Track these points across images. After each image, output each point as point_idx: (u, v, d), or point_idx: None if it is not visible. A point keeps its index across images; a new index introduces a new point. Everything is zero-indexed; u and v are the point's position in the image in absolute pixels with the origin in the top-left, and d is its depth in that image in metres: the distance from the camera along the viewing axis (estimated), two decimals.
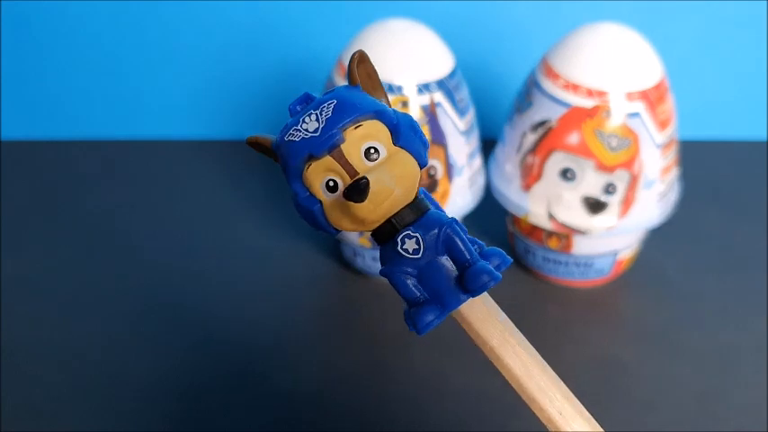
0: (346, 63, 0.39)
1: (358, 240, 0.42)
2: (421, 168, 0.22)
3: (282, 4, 0.53)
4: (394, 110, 0.22)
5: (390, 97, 0.38)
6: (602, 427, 0.22)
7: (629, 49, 0.39)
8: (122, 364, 0.39)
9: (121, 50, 0.55)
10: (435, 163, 0.40)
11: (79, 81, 0.56)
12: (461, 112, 0.40)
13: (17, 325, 0.41)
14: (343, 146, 0.21)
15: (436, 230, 0.22)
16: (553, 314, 0.42)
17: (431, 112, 0.39)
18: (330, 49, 0.46)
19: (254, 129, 0.57)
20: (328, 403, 0.37)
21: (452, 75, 0.40)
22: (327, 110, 0.22)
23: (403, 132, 0.22)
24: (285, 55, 0.55)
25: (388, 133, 0.22)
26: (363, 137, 0.22)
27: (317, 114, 0.22)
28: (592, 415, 0.22)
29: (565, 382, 0.22)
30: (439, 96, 0.39)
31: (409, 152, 0.22)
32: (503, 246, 0.46)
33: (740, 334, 0.41)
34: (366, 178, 0.21)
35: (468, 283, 0.21)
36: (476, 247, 0.22)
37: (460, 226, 0.22)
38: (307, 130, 0.22)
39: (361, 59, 0.23)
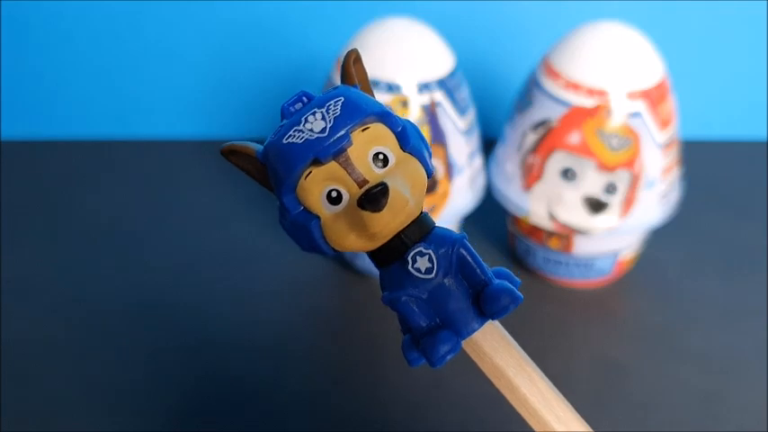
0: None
1: None
2: (428, 178, 0.20)
3: (282, 3, 0.53)
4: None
5: (390, 97, 0.38)
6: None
7: (630, 49, 0.39)
8: (122, 364, 0.39)
9: (121, 51, 0.55)
10: (436, 163, 0.39)
11: (79, 81, 0.55)
12: (462, 112, 0.40)
13: (17, 325, 0.41)
14: (349, 150, 0.19)
15: (447, 248, 0.20)
16: (554, 314, 0.42)
17: (431, 111, 0.39)
18: (329, 49, 0.46)
19: (254, 129, 0.57)
20: (328, 404, 0.37)
21: (453, 74, 0.40)
22: (335, 108, 0.19)
23: (411, 137, 0.20)
24: (285, 54, 0.55)
25: (394, 138, 0.20)
26: (371, 140, 0.19)
27: (322, 113, 0.19)
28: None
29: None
30: (439, 96, 0.39)
31: (417, 159, 0.20)
32: (503, 246, 0.46)
33: (741, 335, 0.41)
34: (386, 184, 0.18)
35: (487, 305, 0.19)
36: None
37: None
38: (312, 130, 0.19)
39: (357, 58, 0.20)
